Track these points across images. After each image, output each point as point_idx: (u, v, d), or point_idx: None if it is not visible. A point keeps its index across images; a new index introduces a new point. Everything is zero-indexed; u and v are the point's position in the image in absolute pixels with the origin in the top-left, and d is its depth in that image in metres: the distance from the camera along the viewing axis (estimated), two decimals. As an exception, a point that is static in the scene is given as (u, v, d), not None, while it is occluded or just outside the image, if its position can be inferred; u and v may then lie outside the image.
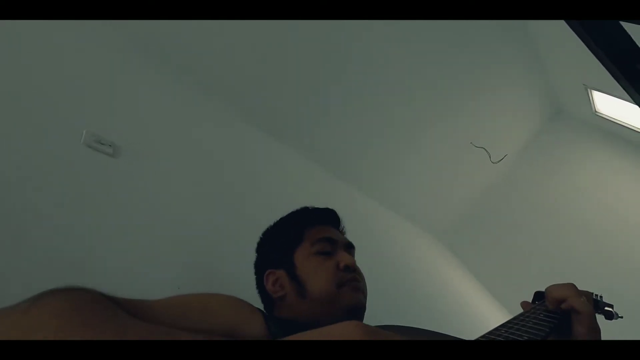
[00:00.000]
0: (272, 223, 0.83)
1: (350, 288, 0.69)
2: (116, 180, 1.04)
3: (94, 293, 0.38)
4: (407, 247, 2.52)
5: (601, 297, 0.60)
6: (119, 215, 1.01)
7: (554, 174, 3.23)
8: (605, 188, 2.96)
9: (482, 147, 2.95)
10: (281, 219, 0.82)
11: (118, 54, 1.27)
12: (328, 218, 0.82)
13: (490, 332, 0.41)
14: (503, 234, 3.21)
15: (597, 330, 0.52)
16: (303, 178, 1.85)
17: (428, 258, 2.70)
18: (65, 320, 0.31)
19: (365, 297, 0.72)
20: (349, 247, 0.79)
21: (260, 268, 0.77)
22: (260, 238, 0.81)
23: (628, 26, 0.83)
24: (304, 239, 0.75)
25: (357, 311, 0.70)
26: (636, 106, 1.10)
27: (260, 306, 0.72)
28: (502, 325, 0.45)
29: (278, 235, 0.80)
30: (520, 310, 0.56)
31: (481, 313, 2.51)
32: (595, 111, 2.96)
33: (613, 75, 0.91)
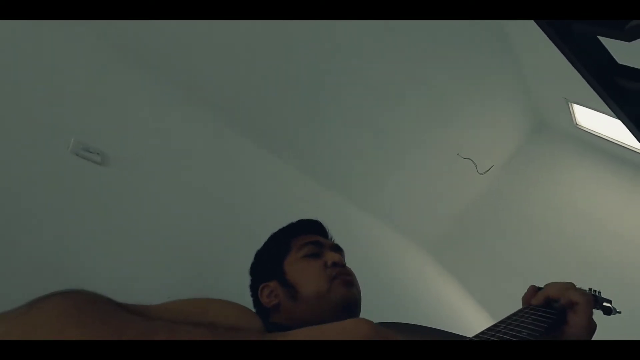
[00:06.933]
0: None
1: (341, 282, 0.69)
2: (104, 188, 1.02)
3: (94, 294, 0.38)
4: (394, 257, 2.53)
5: (599, 292, 0.61)
6: (107, 223, 0.99)
7: (538, 185, 3.31)
8: (586, 198, 3.04)
9: (469, 158, 3.00)
10: (269, 237, 0.84)
11: (107, 63, 1.27)
12: (313, 228, 0.84)
13: (489, 328, 0.42)
14: (490, 244, 3.25)
15: (593, 323, 0.53)
16: (292, 188, 1.85)
17: (415, 268, 2.71)
18: (66, 320, 0.31)
19: (359, 293, 0.73)
20: (337, 249, 0.80)
21: (255, 286, 0.77)
22: (252, 261, 0.83)
23: (605, 40, 0.87)
24: (291, 248, 0.77)
25: (351, 307, 0.69)
26: (614, 119, 1.15)
27: None
28: (501, 322, 0.46)
29: (267, 252, 0.82)
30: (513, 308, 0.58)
31: (469, 321, 2.52)
32: (576, 124, 3.05)
33: (595, 90, 0.95)
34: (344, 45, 1.93)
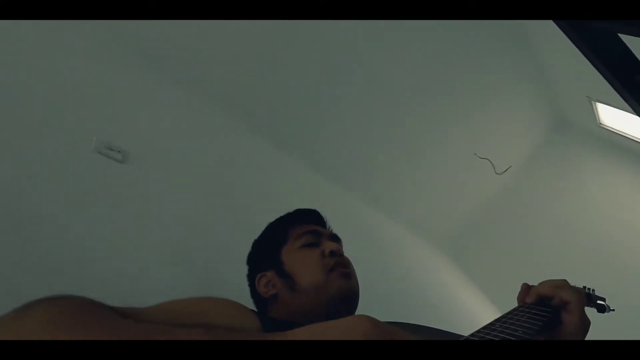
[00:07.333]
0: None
1: (339, 274, 0.69)
2: (124, 185, 1.06)
3: (85, 299, 0.37)
4: (409, 256, 2.51)
5: (593, 290, 0.61)
6: (126, 220, 1.02)
7: (558, 185, 3.22)
8: (609, 199, 2.95)
9: (486, 158, 2.95)
10: (266, 227, 0.84)
11: (129, 65, 1.31)
12: (311, 217, 0.83)
13: (485, 327, 0.42)
14: (506, 245, 3.19)
15: (586, 321, 0.53)
16: (306, 187, 1.87)
17: (430, 268, 2.68)
18: (57, 326, 0.30)
19: (357, 284, 0.72)
20: (335, 239, 0.80)
21: (252, 276, 0.78)
22: (250, 251, 0.83)
23: (625, 38, 0.85)
24: (289, 237, 0.76)
25: (349, 299, 0.69)
26: (639, 117, 1.11)
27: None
28: (497, 320, 0.46)
29: (264, 241, 0.81)
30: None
31: (482, 320, 2.48)
32: (600, 123, 2.96)
33: (613, 87, 0.93)
34: (362, 43, 1.92)
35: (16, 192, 0.88)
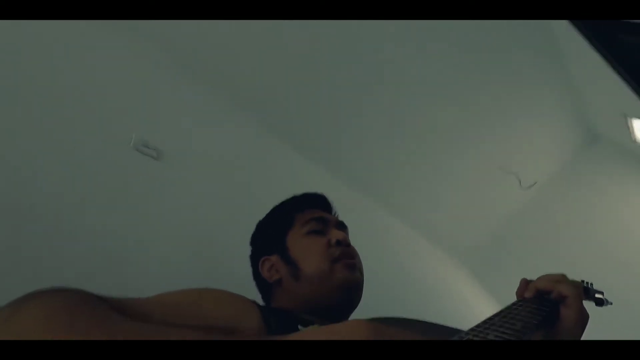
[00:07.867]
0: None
1: (343, 264, 0.68)
2: (159, 181, 1.13)
3: (82, 293, 0.36)
4: (426, 264, 2.49)
5: (591, 284, 0.61)
6: (158, 213, 1.09)
7: (588, 202, 3.11)
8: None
9: (512, 172, 2.89)
10: (272, 209, 0.82)
11: (165, 71, 1.38)
12: (318, 202, 0.82)
13: (484, 321, 0.42)
14: (529, 259, 3.10)
15: (584, 314, 0.52)
16: (324, 191, 1.89)
17: (447, 277, 2.65)
18: (54, 322, 0.30)
19: (361, 274, 0.71)
20: (341, 226, 0.78)
21: (255, 258, 0.77)
22: (253, 231, 0.82)
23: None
24: (295, 222, 0.75)
25: (352, 289, 0.68)
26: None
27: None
28: (496, 315, 0.46)
29: (270, 223, 0.80)
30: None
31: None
32: (635, 139, 2.84)
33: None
34: (389, 48, 1.93)
35: (61, 184, 0.96)
